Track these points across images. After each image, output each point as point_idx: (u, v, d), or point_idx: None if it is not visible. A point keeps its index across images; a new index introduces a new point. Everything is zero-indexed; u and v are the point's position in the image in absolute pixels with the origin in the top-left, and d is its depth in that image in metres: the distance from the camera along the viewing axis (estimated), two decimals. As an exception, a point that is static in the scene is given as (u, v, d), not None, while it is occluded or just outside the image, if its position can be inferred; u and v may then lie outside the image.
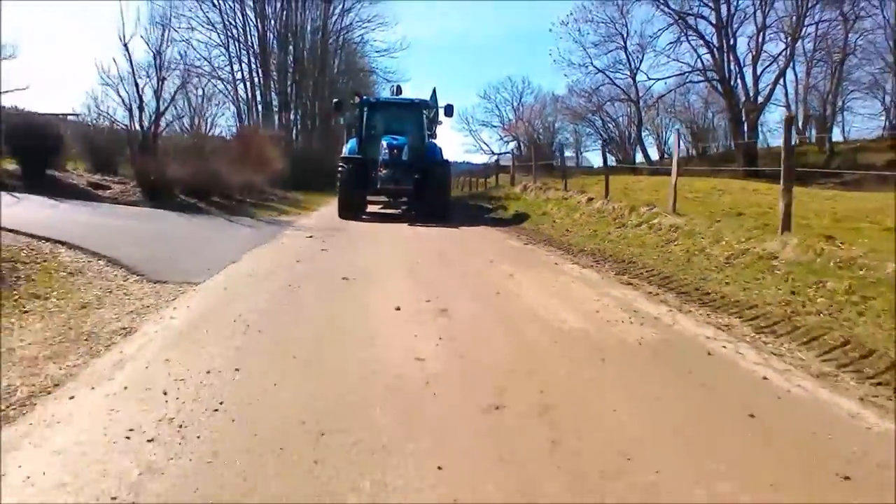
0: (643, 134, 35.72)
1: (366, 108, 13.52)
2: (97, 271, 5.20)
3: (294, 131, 28.78)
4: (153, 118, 11.89)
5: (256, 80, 27.37)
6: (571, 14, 32.33)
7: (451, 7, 67.90)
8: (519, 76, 62.69)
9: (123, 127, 11.84)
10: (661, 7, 29.35)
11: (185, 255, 6.41)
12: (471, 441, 2.35)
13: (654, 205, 8.90)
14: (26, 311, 3.93)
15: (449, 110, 15.05)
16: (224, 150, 15.42)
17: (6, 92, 12.40)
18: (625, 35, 32.27)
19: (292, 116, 28.91)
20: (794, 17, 27.28)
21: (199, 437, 2.30)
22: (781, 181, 6.25)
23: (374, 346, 3.48)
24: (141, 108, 11.59)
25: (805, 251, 5.37)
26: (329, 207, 14.31)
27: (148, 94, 11.81)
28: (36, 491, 1.94)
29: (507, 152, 29.34)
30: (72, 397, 2.66)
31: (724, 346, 3.63)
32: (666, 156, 34.82)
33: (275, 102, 27.70)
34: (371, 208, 13.16)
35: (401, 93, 16.04)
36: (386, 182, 12.01)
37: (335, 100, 18.21)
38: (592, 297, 4.91)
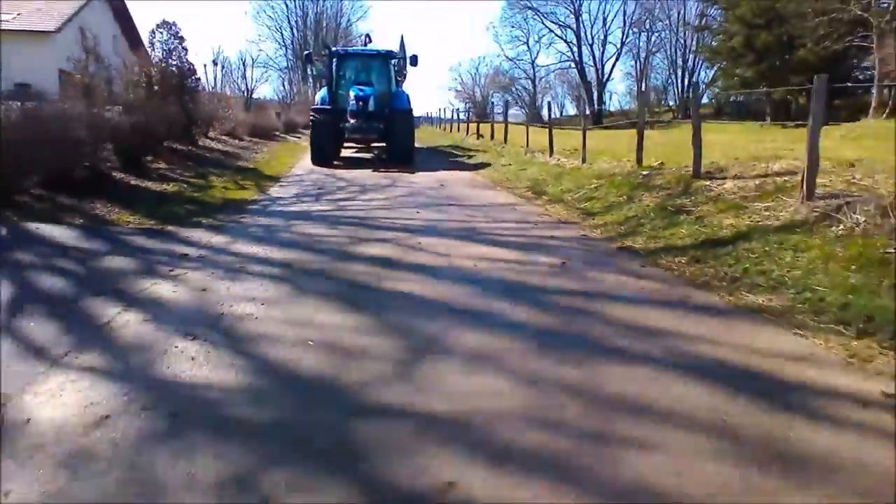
0: (546, 99, 54.31)
1: (335, 60, 13.83)
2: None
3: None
4: (292, 99, 31.11)
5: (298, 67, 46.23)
6: (492, 22, 50.57)
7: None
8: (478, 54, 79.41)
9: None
10: (541, 20, 47.97)
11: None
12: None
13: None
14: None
15: (414, 60, 15.05)
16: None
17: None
18: (527, 35, 50.59)
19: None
20: (622, 31, 46.05)
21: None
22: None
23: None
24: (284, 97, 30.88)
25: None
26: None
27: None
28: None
29: (466, 110, 45.48)
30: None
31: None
32: (563, 115, 53.75)
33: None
34: (346, 153, 14.04)
35: (371, 42, 16.08)
36: (353, 132, 12.59)
37: (305, 52, 19.72)
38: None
